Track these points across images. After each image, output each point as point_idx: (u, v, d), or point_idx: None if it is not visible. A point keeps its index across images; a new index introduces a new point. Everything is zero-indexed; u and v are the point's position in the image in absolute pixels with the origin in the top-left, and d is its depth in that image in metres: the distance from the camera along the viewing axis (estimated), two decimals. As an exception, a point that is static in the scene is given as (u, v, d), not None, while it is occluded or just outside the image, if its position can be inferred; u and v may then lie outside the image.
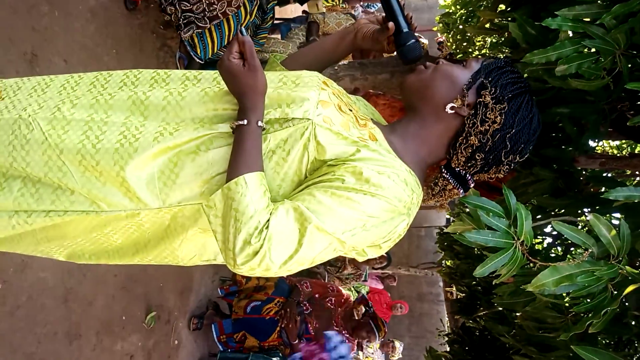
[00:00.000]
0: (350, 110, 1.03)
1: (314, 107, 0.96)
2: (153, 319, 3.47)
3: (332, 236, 0.87)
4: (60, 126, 0.97)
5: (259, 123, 0.93)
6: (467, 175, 1.06)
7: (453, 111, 1.02)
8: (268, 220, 0.84)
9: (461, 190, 1.08)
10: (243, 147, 0.91)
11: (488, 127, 0.99)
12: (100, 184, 0.95)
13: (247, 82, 0.93)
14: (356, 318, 3.88)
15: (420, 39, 6.92)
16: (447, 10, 4.12)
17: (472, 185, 1.09)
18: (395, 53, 1.17)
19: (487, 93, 1.00)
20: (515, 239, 1.18)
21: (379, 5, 6.78)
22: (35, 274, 2.44)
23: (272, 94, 0.98)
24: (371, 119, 1.08)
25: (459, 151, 1.03)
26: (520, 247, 1.18)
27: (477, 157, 1.02)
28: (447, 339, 3.36)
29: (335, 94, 1.05)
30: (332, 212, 0.86)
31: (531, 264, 1.22)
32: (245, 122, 0.92)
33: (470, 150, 1.02)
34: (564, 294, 1.28)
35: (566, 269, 1.09)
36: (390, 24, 1.12)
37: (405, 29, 1.13)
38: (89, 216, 0.97)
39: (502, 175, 1.07)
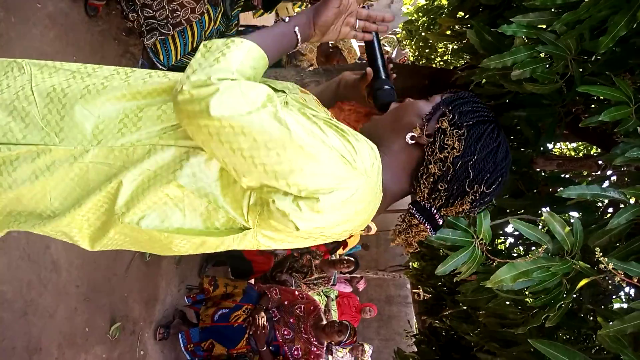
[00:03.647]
0: (328, 113, 1.08)
1: (293, 88, 1.03)
2: (118, 329, 3.38)
3: (283, 126, 0.79)
4: (48, 73, 1.00)
5: (296, 29, 0.99)
6: (433, 209, 1.02)
7: (414, 141, 1.01)
8: (237, 81, 0.79)
9: (429, 227, 1.03)
10: (271, 30, 0.98)
11: (447, 154, 0.97)
12: (59, 117, 0.94)
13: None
14: (324, 322, 3.88)
15: (385, 47, 7.06)
16: (409, 17, 4.20)
17: (440, 222, 1.04)
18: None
19: (444, 119, 1.00)
20: (475, 237, 1.22)
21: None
22: (-7, 286, 2.36)
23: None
24: None
25: (422, 182, 1.00)
26: (479, 245, 1.22)
27: (440, 188, 0.99)
28: (414, 339, 3.39)
29: (319, 102, 1.11)
30: (297, 119, 0.83)
31: (491, 262, 1.27)
32: (287, 19, 0.99)
33: (432, 180, 0.99)
34: (525, 291, 1.32)
35: (523, 265, 1.13)
36: (369, 69, 1.18)
37: (383, 76, 1.18)
38: (38, 150, 0.93)
39: (467, 208, 1.01)
